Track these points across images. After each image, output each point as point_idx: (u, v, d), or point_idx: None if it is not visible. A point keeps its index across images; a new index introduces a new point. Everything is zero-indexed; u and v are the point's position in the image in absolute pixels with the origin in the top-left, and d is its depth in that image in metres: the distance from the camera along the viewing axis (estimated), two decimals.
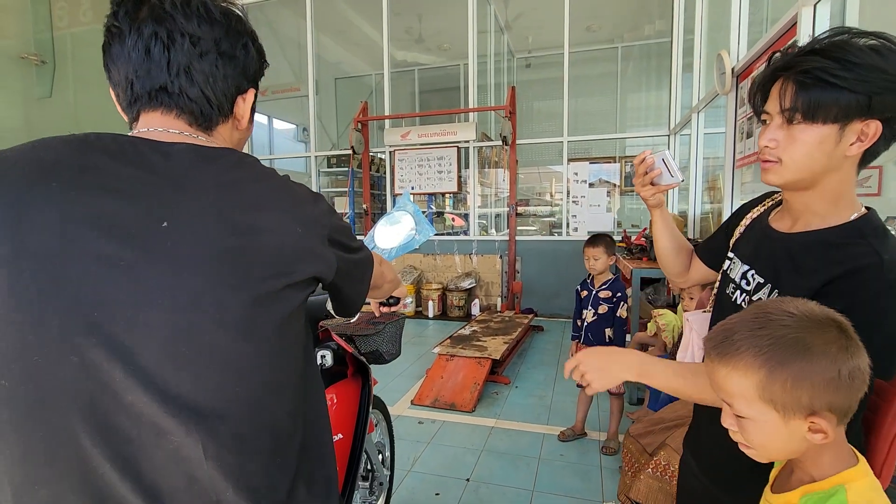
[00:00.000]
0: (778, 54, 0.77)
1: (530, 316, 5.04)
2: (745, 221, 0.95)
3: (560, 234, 6.09)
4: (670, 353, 2.39)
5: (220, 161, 0.60)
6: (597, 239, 2.50)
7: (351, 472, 1.53)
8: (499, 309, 5.75)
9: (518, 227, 6.01)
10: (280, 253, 0.58)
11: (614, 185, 6.19)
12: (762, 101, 0.80)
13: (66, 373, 0.49)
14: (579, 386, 2.64)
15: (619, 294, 2.47)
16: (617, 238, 3.66)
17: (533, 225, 7.15)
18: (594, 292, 2.53)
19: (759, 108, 0.81)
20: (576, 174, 5.73)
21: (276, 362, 0.59)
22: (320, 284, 0.69)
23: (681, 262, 1.10)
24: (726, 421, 0.67)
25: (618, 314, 2.46)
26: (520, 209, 6.66)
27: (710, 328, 0.98)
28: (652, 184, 0.96)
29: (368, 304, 1.42)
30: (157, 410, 0.50)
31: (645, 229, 4.27)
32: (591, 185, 5.67)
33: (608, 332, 2.49)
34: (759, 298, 0.82)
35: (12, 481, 0.50)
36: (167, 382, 0.51)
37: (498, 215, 7.01)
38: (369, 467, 1.84)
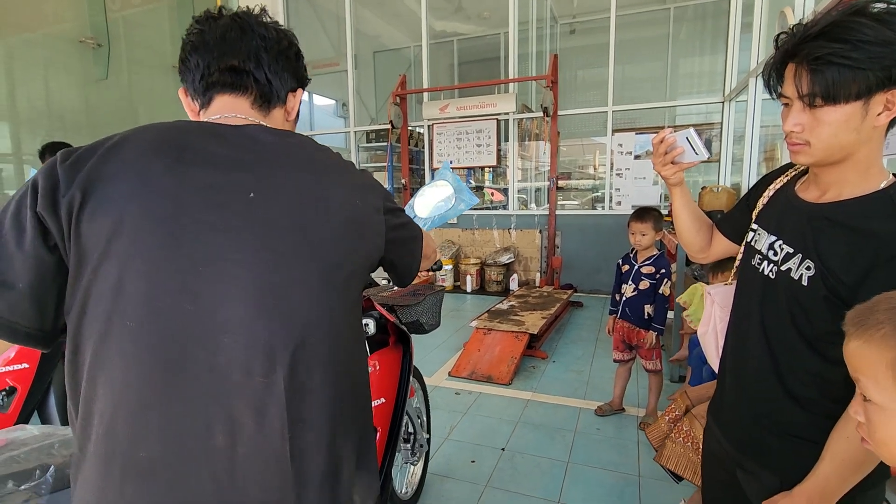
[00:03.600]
0: (784, 35, 0.77)
1: (569, 291, 4.99)
2: (769, 192, 0.95)
3: (602, 207, 5.93)
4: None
5: (291, 139, 0.71)
6: (645, 213, 2.42)
7: (393, 434, 1.61)
8: (537, 284, 5.72)
9: (559, 202, 5.89)
10: (345, 222, 0.68)
11: None
12: (778, 83, 0.80)
13: (182, 317, 0.58)
14: (616, 361, 2.63)
15: (662, 270, 2.39)
16: (664, 212, 3.52)
17: (574, 199, 6.98)
18: (636, 267, 2.47)
19: (776, 89, 0.81)
20: (620, 145, 5.52)
21: (342, 318, 0.67)
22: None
23: (702, 239, 1.11)
24: (853, 408, 0.60)
25: (660, 291, 2.39)
26: (561, 183, 6.51)
27: (733, 300, 0.97)
28: (673, 163, 0.96)
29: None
30: (247, 352, 0.59)
31: None
32: (636, 156, 5.45)
33: (648, 308, 2.43)
34: (789, 268, 0.82)
35: (128, 405, 0.57)
36: (256, 329, 0.59)
37: (538, 189, 6.89)
38: (411, 430, 1.92)
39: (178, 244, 0.58)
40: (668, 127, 0.95)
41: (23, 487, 0.70)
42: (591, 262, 5.69)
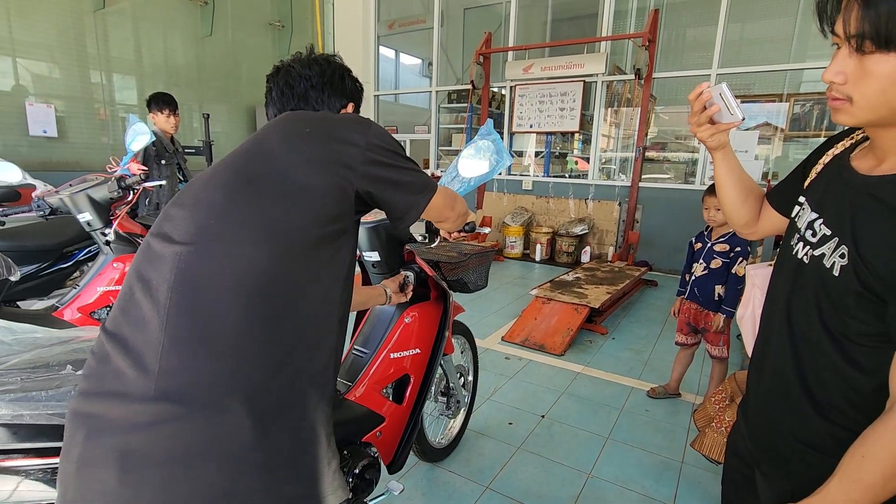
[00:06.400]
0: None
1: (643, 269, 4.71)
2: (825, 159, 0.79)
3: (694, 182, 5.43)
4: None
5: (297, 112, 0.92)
6: None
7: (425, 383, 1.68)
8: (609, 259, 5.46)
9: (650, 174, 5.47)
10: (283, 179, 0.73)
11: (777, 127, 5.23)
12: (835, 13, 0.62)
13: (162, 262, 0.71)
14: (678, 344, 2.47)
15: (737, 248, 2.16)
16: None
17: (669, 172, 6.42)
18: (709, 245, 2.26)
19: (830, 23, 0.63)
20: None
21: (285, 265, 0.71)
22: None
23: (748, 211, 0.96)
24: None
25: (733, 271, 2.17)
26: (653, 154, 6.03)
27: (769, 285, 0.85)
28: (711, 122, 0.83)
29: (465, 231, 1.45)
30: (190, 286, 0.68)
31: None
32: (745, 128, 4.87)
33: (719, 289, 2.22)
34: (822, 254, 0.69)
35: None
36: (201, 267, 0.69)
37: (625, 160, 6.46)
38: (449, 385, 1.98)
39: (186, 203, 0.76)
40: (706, 83, 0.83)
41: (79, 372, 0.83)
42: (673, 241, 5.30)
